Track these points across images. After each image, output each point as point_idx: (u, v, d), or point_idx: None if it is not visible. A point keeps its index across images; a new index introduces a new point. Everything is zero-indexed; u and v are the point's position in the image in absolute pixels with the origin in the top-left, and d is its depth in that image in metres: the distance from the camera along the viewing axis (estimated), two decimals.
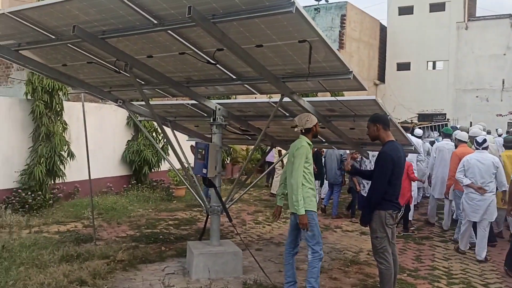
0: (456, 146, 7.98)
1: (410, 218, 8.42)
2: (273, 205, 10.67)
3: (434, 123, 19.05)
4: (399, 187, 4.61)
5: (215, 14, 3.59)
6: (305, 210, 4.50)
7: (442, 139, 9.80)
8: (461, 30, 26.89)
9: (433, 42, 27.02)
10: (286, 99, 5.21)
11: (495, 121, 19.75)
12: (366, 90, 4.90)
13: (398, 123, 6.14)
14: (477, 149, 6.71)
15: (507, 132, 11.12)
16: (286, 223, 8.67)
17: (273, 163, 10.58)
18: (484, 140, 6.69)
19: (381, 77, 29.29)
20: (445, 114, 26.39)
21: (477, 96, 26.06)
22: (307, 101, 5.39)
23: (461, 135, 7.84)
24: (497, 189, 6.55)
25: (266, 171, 9.58)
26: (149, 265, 5.74)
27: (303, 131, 4.79)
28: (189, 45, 4.41)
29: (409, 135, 7.18)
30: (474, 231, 6.83)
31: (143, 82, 5.64)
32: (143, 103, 6.69)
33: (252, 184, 7.37)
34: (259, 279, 5.28)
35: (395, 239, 4.69)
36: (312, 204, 4.61)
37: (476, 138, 6.90)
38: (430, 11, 27.92)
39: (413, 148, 6.45)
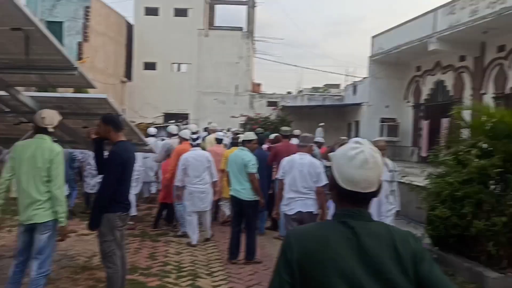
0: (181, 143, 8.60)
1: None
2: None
3: (170, 123, 20.01)
4: (128, 188, 4.60)
5: None
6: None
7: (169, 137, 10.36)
8: (202, 37, 29.13)
9: (178, 45, 28.35)
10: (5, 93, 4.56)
11: (230, 122, 22.16)
12: (95, 88, 4.73)
13: (133, 123, 6.19)
14: (192, 145, 7.49)
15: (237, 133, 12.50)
16: (11, 232, 7.65)
17: None
18: (198, 137, 7.73)
19: (129, 75, 29.15)
20: (188, 114, 28.10)
21: (215, 99, 28.67)
22: (31, 96, 4.85)
23: (183, 133, 8.54)
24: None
25: None
26: None
27: (52, 130, 4.25)
28: None
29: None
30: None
31: None
32: None
33: None
34: None
35: (124, 241, 4.66)
36: None
37: (191, 136, 7.84)
38: (175, 15, 29.22)
39: (147, 148, 6.60)
